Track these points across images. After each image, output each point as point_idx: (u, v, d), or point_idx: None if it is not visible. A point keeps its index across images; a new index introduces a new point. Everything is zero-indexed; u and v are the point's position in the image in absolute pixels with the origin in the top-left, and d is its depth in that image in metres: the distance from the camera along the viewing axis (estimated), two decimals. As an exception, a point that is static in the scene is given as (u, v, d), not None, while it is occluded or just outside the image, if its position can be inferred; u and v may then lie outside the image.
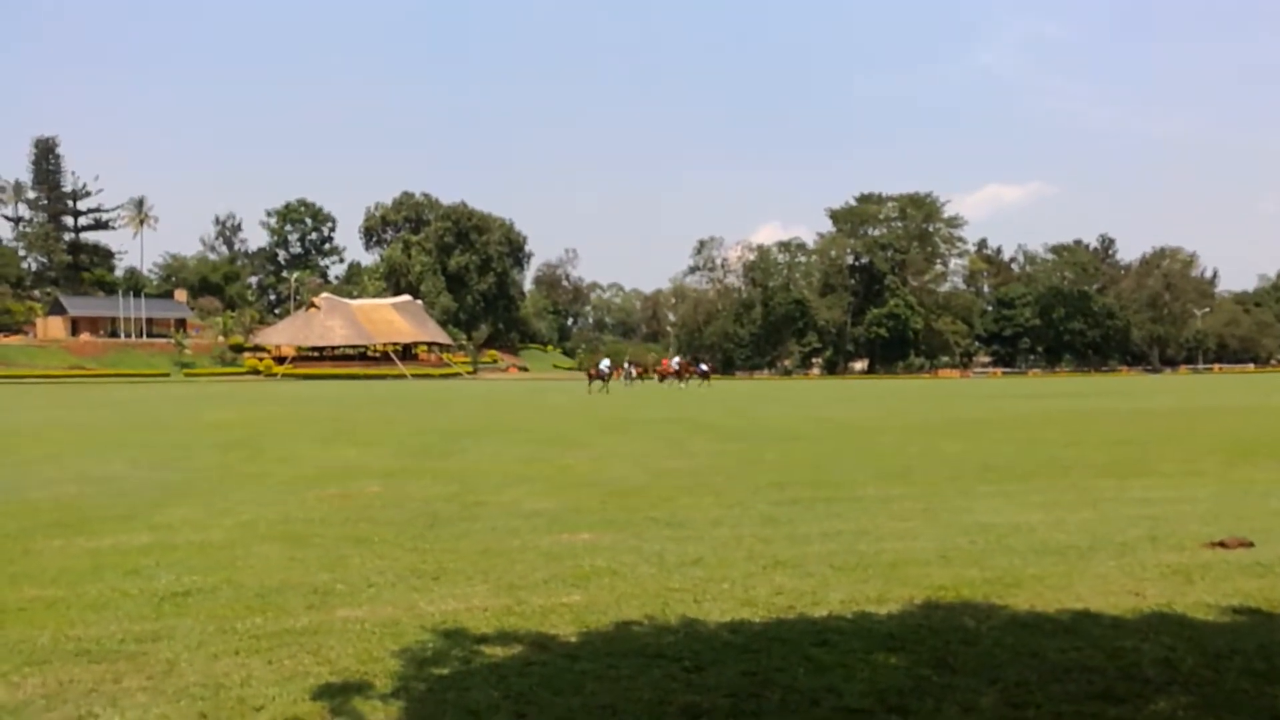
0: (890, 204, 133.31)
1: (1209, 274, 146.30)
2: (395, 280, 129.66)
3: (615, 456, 16.23)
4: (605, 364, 64.77)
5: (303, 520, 9.67)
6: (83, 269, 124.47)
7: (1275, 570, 7.07)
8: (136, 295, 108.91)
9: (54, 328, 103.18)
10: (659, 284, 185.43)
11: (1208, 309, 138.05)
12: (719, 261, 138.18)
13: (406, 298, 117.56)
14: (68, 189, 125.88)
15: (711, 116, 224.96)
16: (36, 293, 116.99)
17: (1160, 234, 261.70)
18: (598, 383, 58.13)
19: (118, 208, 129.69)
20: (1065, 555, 7.68)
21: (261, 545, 8.35)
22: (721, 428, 23.29)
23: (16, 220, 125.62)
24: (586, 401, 40.72)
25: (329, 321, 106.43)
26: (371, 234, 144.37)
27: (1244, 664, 4.96)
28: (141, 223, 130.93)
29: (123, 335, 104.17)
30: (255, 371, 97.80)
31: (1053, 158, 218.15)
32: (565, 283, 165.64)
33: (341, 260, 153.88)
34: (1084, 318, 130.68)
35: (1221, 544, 7.88)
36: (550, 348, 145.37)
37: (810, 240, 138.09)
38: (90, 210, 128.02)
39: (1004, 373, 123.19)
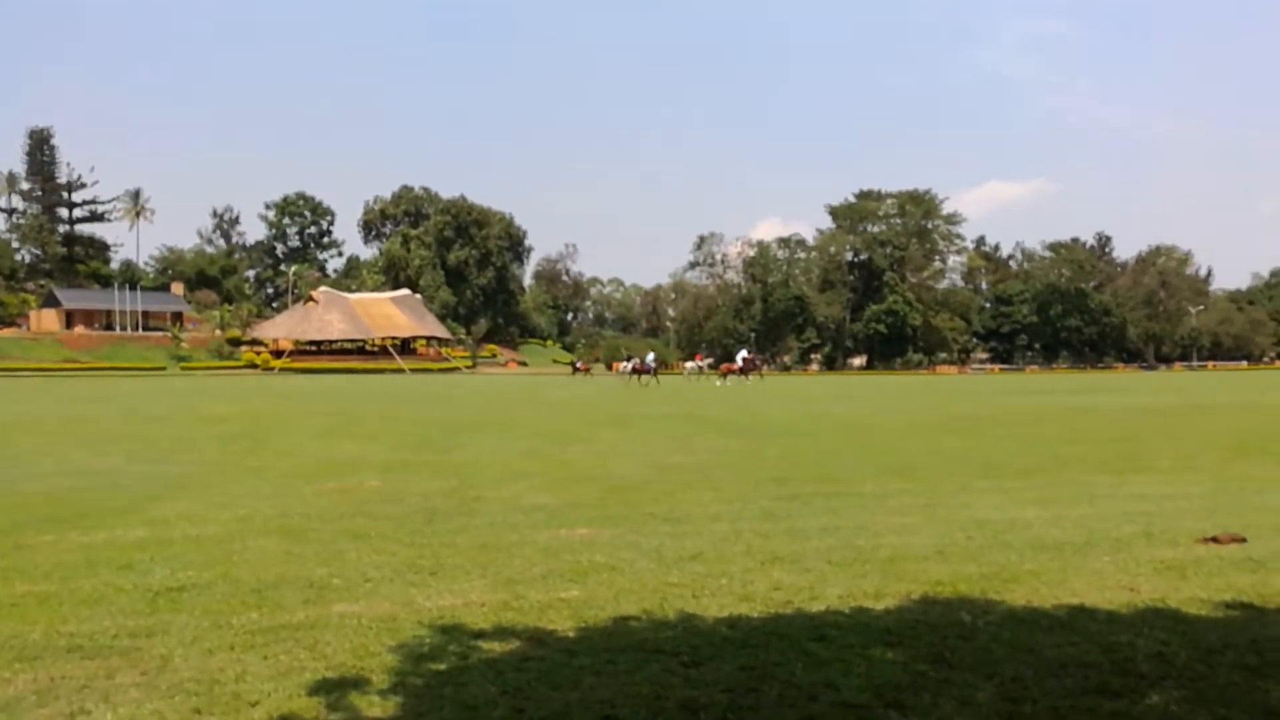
0: (890, 201, 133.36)
1: (1204, 272, 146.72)
2: (394, 274, 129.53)
3: (615, 452, 16.24)
4: (651, 357, 64.89)
5: (300, 515, 9.67)
6: (77, 261, 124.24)
7: (1267, 566, 7.09)
8: (132, 288, 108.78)
9: (48, 320, 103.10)
10: (659, 279, 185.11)
11: (1202, 307, 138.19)
12: (719, 257, 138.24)
13: (405, 292, 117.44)
14: (62, 180, 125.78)
15: (713, 112, 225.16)
16: (30, 285, 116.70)
17: (1156, 232, 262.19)
18: (645, 376, 58.08)
19: (113, 200, 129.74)
20: (1061, 551, 7.70)
21: (258, 540, 8.35)
22: (723, 423, 23.30)
23: (10, 212, 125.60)
24: (587, 396, 40.71)
25: (327, 315, 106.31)
26: (370, 228, 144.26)
27: (1236, 658, 4.98)
28: (138, 215, 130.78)
29: (118, 329, 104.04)
30: (252, 365, 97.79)
31: (1053, 155, 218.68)
32: (565, 277, 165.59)
33: (340, 254, 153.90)
34: (1081, 315, 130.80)
35: (1215, 540, 7.90)
36: (550, 342, 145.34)
37: (810, 236, 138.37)
38: (85, 202, 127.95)
39: (1001, 369, 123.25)
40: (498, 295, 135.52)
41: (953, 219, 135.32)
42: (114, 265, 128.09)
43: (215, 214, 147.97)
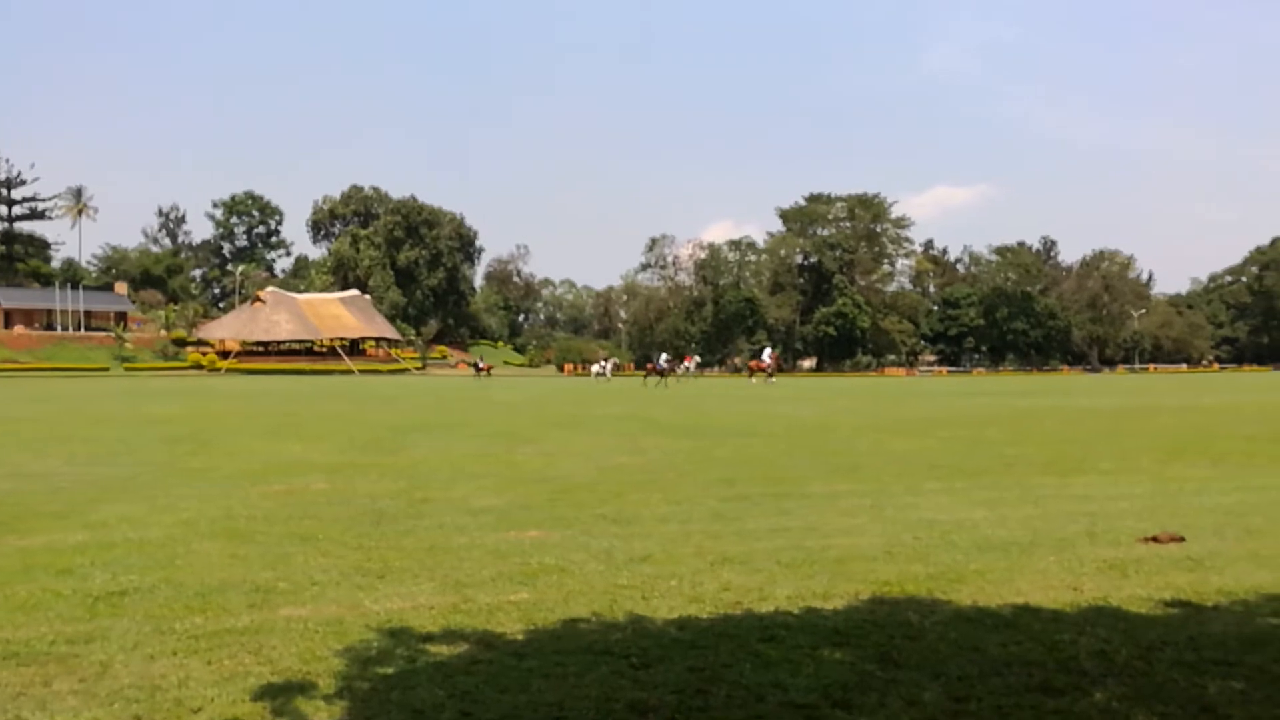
0: (839, 204, 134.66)
1: (1145, 277, 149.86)
2: (343, 274, 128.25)
3: (565, 453, 16.20)
4: (664, 358, 64.69)
5: (246, 517, 9.52)
6: (17, 259, 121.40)
7: (1205, 564, 7.25)
8: (74, 287, 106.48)
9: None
10: (611, 280, 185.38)
11: (1144, 311, 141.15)
12: (670, 259, 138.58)
13: (354, 292, 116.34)
14: (1, 177, 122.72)
15: (664, 114, 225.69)
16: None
17: (1100, 237, 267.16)
18: (654, 378, 57.80)
19: (54, 197, 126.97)
20: (1007, 551, 7.80)
21: (202, 543, 8.21)
22: (674, 424, 23.33)
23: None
24: (536, 397, 40.56)
25: (275, 316, 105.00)
26: (319, 227, 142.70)
27: (1175, 655, 5.08)
28: (80, 213, 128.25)
29: (59, 329, 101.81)
30: (198, 366, 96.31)
31: (999, 160, 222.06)
32: (516, 278, 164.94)
33: (288, 254, 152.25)
34: (1026, 318, 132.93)
35: (1155, 539, 8.06)
36: (501, 344, 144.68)
37: (760, 239, 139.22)
38: (25, 199, 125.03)
39: (949, 371, 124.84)
40: (448, 296, 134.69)
41: (901, 223, 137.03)
42: (55, 264, 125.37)
43: (161, 212, 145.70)
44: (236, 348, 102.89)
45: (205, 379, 77.99)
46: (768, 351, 68.95)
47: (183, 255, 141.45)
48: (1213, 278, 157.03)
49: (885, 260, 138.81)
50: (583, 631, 5.60)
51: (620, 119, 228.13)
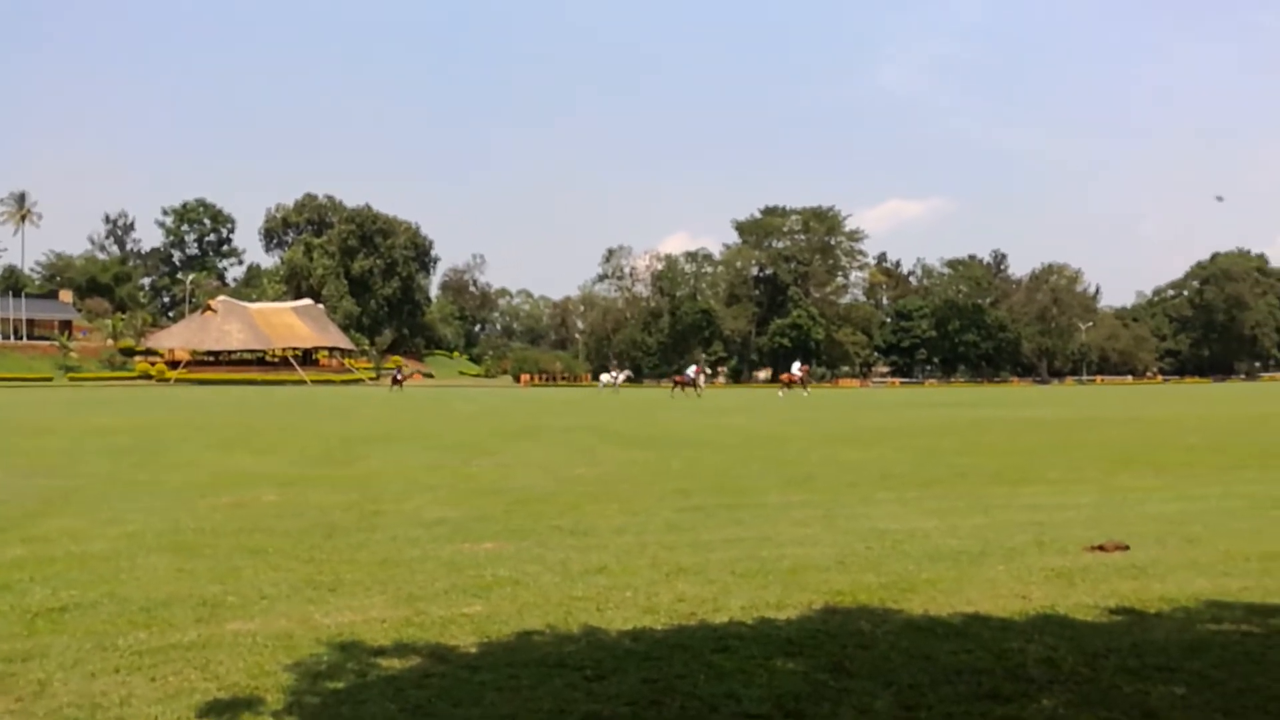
0: (794, 217, 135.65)
1: (1092, 290, 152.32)
2: (296, 283, 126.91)
3: (521, 464, 16.14)
4: (692, 370, 65.26)
5: (193, 530, 9.37)
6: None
7: (1148, 572, 7.38)
8: (16, 295, 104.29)
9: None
10: (568, 291, 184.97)
11: (1091, 323, 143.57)
12: (627, 270, 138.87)
13: (307, 301, 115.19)
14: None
15: (620, 126, 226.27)
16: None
17: (1049, 250, 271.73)
18: (679, 389, 58.48)
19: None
20: (957, 560, 7.88)
21: (148, 556, 8.06)
22: (630, 435, 23.34)
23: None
24: (492, 408, 40.37)
25: (226, 325, 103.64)
26: (272, 236, 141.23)
27: (1119, 662, 5.16)
28: (23, 219, 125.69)
29: (0, 337, 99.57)
30: (147, 376, 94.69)
31: (951, 175, 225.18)
32: (472, 288, 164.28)
33: (240, 262, 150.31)
34: (978, 330, 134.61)
35: (1101, 548, 8.19)
36: (456, 354, 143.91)
37: (717, 251, 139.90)
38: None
39: (902, 383, 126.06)
40: (403, 306, 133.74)
41: (855, 235, 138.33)
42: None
43: (108, 219, 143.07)
44: (186, 357, 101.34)
45: (154, 389, 76.71)
46: (797, 365, 68.86)
47: (131, 263, 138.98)
48: (1156, 291, 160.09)
49: (839, 273, 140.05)
50: (537, 644, 5.57)
51: (577, 130, 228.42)
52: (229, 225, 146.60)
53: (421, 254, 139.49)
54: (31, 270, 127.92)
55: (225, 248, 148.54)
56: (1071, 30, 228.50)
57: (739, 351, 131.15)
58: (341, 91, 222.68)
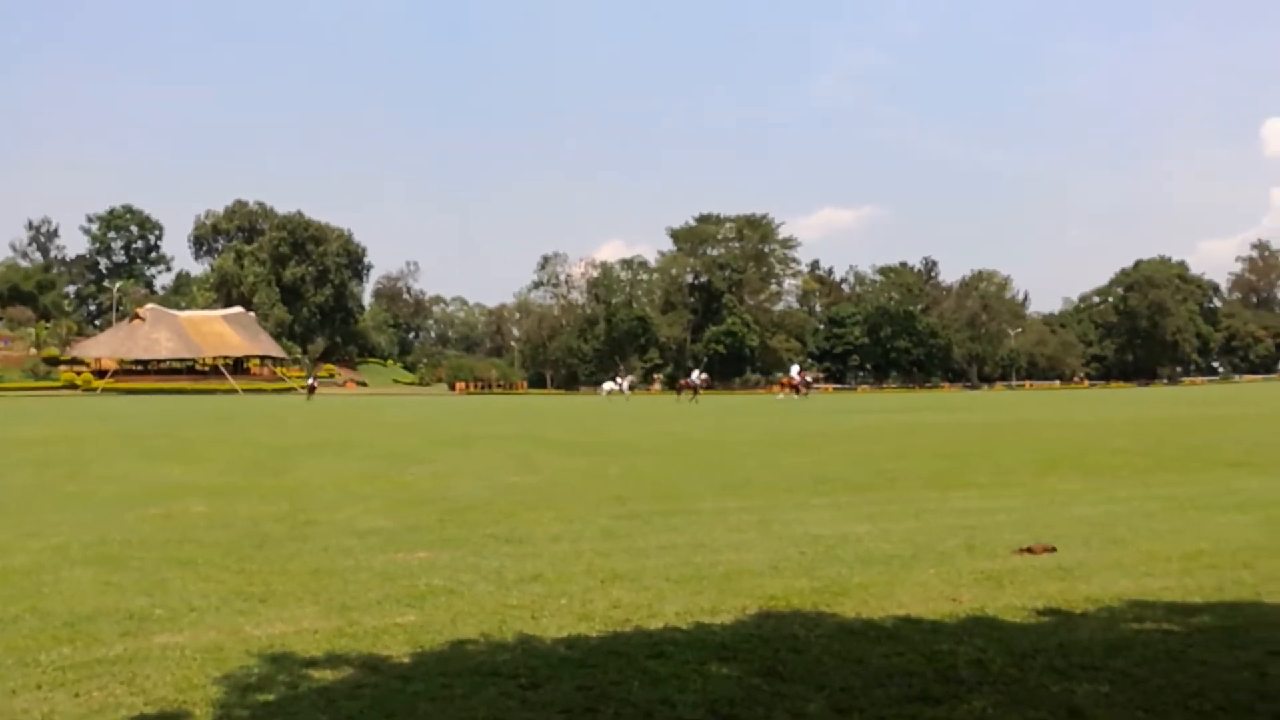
0: (728, 225, 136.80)
1: (1021, 296, 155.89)
2: (226, 291, 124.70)
3: (456, 472, 16.01)
4: (696, 375, 65.98)
5: (120, 542, 9.14)
6: None
7: (1075, 573, 7.55)
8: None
9: None
10: (503, 298, 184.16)
11: (1020, 329, 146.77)
12: (563, 277, 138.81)
13: (238, 309, 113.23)
14: None
15: (557, 132, 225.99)
16: None
17: (978, 258, 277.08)
18: (686, 394, 59.32)
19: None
20: (889, 564, 7.99)
21: (73, 570, 7.85)
22: (567, 442, 23.28)
23: None
24: (426, 416, 40.00)
25: (154, 334, 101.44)
26: (202, 243, 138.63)
27: (1046, 662, 5.28)
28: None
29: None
30: (72, 386, 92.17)
31: (882, 183, 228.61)
32: (406, 296, 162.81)
33: (169, 270, 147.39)
34: (909, 336, 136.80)
35: (1029, 550, 8.37)
36: (390, 362, 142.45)
37: (652, 258, 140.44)
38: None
39: (835, 389, 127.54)
40: (335, 313, 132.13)
41: (789, 243, 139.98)
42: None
43: (31, 226, 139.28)
44: (114, 367, 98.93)
45: (80, 399, 74.69)
46: (795, 368, 69.83)
47: (55, 271, 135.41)
48: (1082, 298, 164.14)
49: (773, 280, 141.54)
50: (471, 653, 5.54)
51: (512, 136, 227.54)
52: (157, 232, 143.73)
53: (354, 261, 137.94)
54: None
55: (153, 255, 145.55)
56: (999, 42, 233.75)
57: (674, 358, 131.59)
58: (272, 97, 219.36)
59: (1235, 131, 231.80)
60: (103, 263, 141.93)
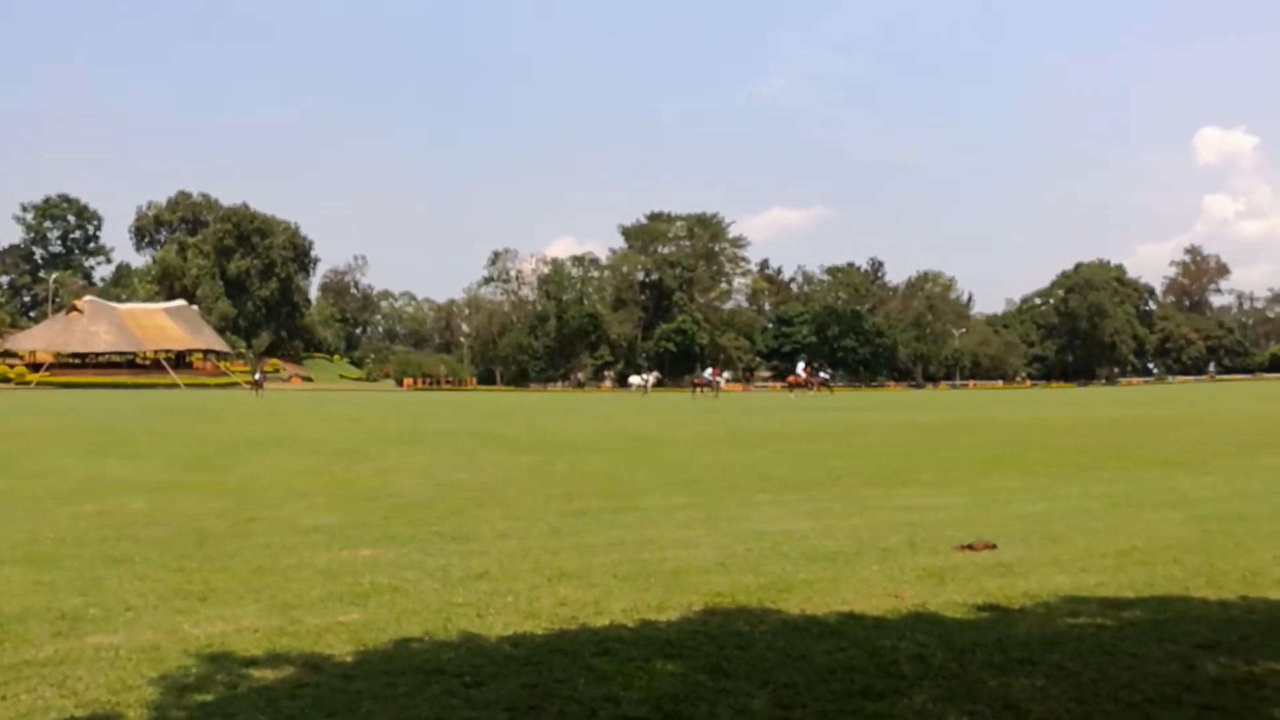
0: (679, 223, 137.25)
1: (965, 297, 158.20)
2: (169, 284, 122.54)
3: (402, 469, 15.88)
4: (709, 372, 65.90)
5: (54, 540, 8.93)
6: None
7: (1014, 570, 7.68)
8: None
9: None
10: (453, 294, 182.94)
11: (964, 330, 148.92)
12: (513, 273, 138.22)
13: (181, 302, 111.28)
14: None
15: (507, 128, 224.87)
16: None
17: (924, 258, 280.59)
18: (700, 391, 58.95)
19: None
20: (834, 560, 8.07)
21: (2, 569, 7.65)
22: (514, 440, 23.19)
23: None
24: (373, 412, 39.61)
25: (93, 326, 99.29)
26: (143, 234, 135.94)
27: (985, 657, 5.36)
28: None
29: None
30: (5, 379, 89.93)
31: (831, 184, 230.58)
32: (354, 290, 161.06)
33: (109, 261, 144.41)
34: (856, 336, 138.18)
35: (970, 547, 8.50)
36: (337, 357, 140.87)
37: (603, 255, 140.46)
38: None
39: (782, 387, 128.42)
40: (281, 308, 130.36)
41: (738, 242, 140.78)
42: None
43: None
44: (50, 359, 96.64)
45: (13, 393, 72.83)
46: (801, 366, 71.68)
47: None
48: (1025, 299, 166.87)
49: (723, 279, 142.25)
50: (415, 651, 5.50)
51: (463, 132, 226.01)
52: (95, 222, 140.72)
53: (301, 255, 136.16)
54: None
55: (92, 245, 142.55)
56: (947, 46, 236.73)
57: (625, 356, 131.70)
58: (218, 86, 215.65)
59: (1171, 140, 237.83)
60: (38, 253, 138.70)
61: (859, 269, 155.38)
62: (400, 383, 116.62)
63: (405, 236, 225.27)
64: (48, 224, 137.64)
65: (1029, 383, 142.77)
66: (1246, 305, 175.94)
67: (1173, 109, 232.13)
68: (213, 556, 8.21)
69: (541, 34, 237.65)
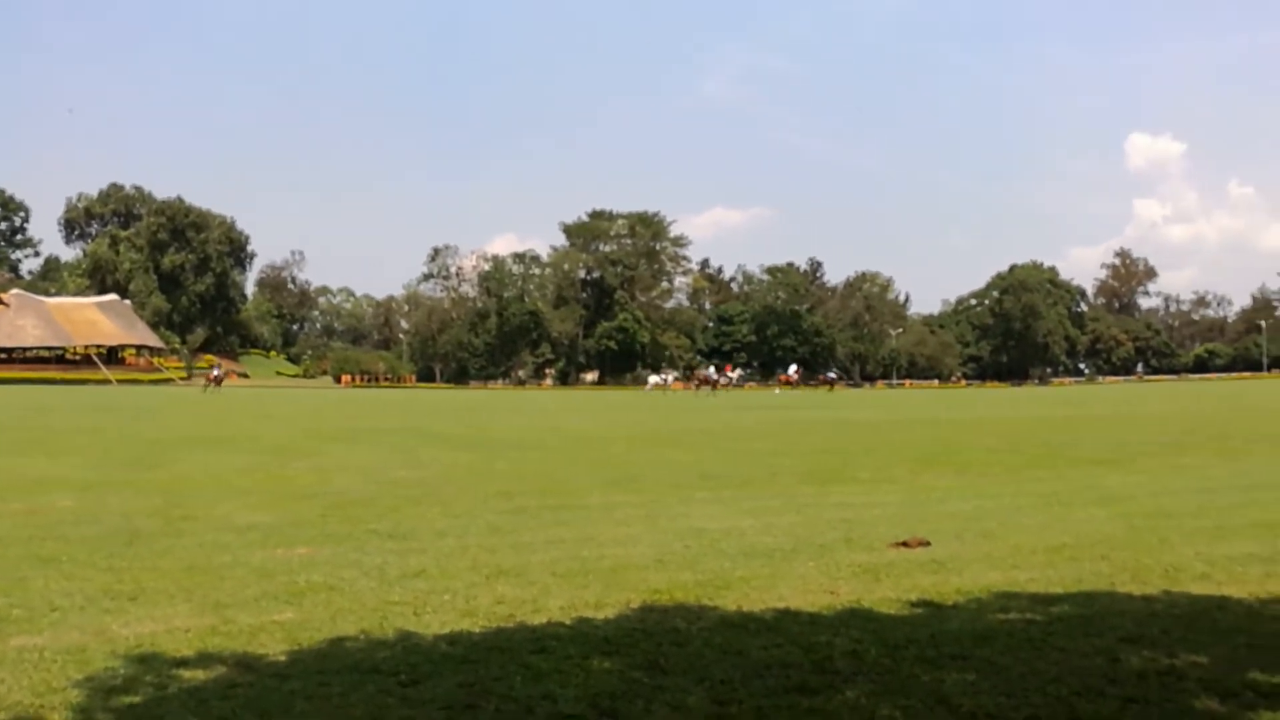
0: (621, 221, 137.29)
1: (902, 298, 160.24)
2: (100, 278, 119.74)
3: (340, 467, 15.71)
4: (711, 370, 66.00)
5: (-24, 540, 8.70)
6: None
7: (947, 566, 7.82)
8: None
9: None
10: (392, 290, 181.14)
11: (901, 330, 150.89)
12: (454, 270, 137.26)
13: (113, 297, 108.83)
14: None
15: (448, 123, 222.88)
16: None
17: (862, 259, 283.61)
18: (704, 388, 59.06)
19: None
20: (771, 557, 8.14)
21: (-78, 569, 7.44)
22: (453, 437, 23.05)
23: None
24: (310, 409, 39.10)
25: (20, 320, 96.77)
26: (73, 227, 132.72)
27: (918, 652, 5.45)
28: None
29: None
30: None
31: (771, 184, 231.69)
32: (291, 286, 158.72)
33: (37, 254, 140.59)
34: (795, 335, 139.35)
35: (905, 544, 8.62)
36: (274, 353, 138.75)
37: (545, 253, 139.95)
38: None
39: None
40: (217, 303, 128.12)
41: (680, 241, 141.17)
42: None
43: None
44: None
45: (-68, 388, 70.62)
46: (794, 367, 74.19)
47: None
48: (960, 300, 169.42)
49: (664, 277, 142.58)
50: (350, 650, 5.45)
51: (404, 126, 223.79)
52: (23, 214, 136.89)
53: (237, 249, 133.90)
54: None
55: (19, 238, 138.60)
56: (885, 49, 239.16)
57: (566, 354, 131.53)
58: (151, 76, 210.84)
59: (1102, 144, 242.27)
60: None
61: (798, 269, 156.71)
62: (338, 379, 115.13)
63: (344, 232, 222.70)
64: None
65: (964, 382, 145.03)
66: (1173, 308, 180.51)
67: (1105, 114, 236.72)
68: (143, 555, 8.05)
69: (483, 31, 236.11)
